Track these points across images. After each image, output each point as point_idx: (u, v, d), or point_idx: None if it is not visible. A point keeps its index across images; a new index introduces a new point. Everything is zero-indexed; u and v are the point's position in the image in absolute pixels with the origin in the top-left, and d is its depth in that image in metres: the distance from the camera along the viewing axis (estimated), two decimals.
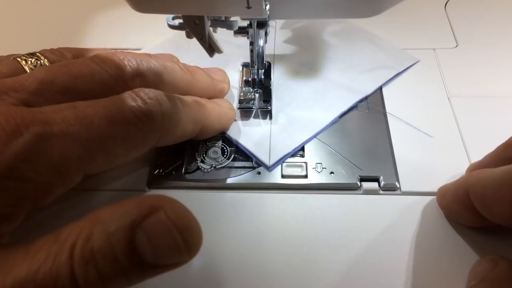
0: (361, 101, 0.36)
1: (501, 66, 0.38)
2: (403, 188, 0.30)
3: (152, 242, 0.20)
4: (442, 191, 0.28)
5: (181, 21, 0.31)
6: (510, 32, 0.42)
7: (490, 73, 0.38)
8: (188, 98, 0.28)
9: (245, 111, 0.35)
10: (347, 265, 0.27)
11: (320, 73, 0.38)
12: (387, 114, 0.34)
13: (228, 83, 0.35)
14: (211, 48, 0.32)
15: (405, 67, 0.38)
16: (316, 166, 0.32)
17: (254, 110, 0.35)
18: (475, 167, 0.28)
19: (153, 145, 0.26)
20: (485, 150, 0.28)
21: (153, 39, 0.42)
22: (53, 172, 0.21)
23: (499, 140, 0.27)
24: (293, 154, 0.33)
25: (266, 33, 0.33)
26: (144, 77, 0.27)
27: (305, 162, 0.32)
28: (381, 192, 0.30)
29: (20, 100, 0.23)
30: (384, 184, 0.30)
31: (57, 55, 0.29)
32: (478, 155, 0.29)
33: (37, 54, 0.28)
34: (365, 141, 0.33)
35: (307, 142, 0.33)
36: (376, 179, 0.31)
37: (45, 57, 0.28)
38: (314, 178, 0.31)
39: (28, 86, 0.23)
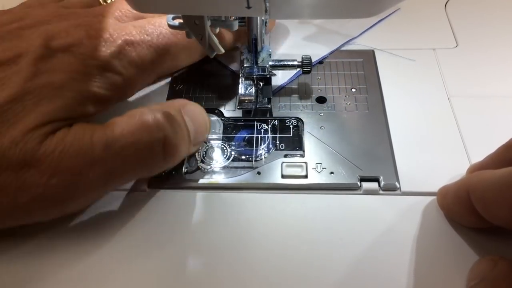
0: (347, 42, 0.41)
1: (501, 66, 0.38)
2: (403, 188, 0.30)
3: (194, 121, 0.30)
4: (442, 192, 0.28)
5: (181, 21, 0.31)
6: (510, 32, 0.42)
7: (490, 73, 0.38)
8: None
9: (245, 111, 0.35)
10: (347, 266, 0.27)
11: (311, 21, 0.43)
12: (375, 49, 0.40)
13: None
14: (211, 48, 0.32)
15: (387, 15, 0.43)
16: (316, 166, 0.32)
17: (253, 110, 0.35)
18: (475, 168, 0.28)
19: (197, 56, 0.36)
20: (485, 150, 0.28)
21: None
22: (135, 70, 0.30)
23: (499, 140, 0.27)
24: (293, 149, 0.33)
25: (265, 23, 0.34)
26: None
27: (305, 162, 0.32)
28: (381, 192, 0.30)
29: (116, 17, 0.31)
30: (384, 184, 0.30)
31: None
32: (478, 155, 0.29)
33: None
34: (365, 141, 0.33)
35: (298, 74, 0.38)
36: (376, 179, 0.31)
37: None
38: (314, 178, 0.31)
39: (114, 12, 0.32)
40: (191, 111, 0.30)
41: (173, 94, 0.37)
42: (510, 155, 0.26)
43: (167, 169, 0.31)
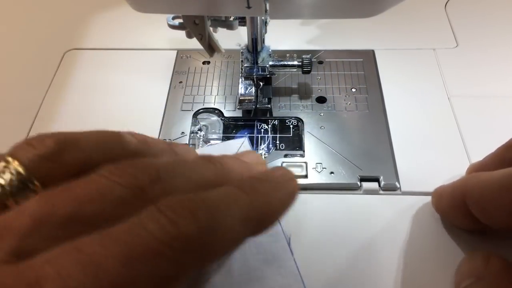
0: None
1: (501, 66, 0.38)
2: (403, 188, 0.30)
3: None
4: (437, 194, 0.28)
5: (181, 21, 0.31)
6: (510, 32, 0.42)
7: (490, 73, 0.38)
8: (228, 190, 0.21)
9: (245, 111, 0.35)
10: (347, 265, 0.27)
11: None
12: None
13: (264, 163, 0.28)
14: (211, 48, 0.32)
15: None
16: (316, 166, 0.32)
17: (253, 110, 0.35)
18: (474, 168, 0.28)
19: (195, 272, 0.19)
20: (485, 150, 0.28)
21: (153, 39, 0.42)
22: None
23: (499, 140, 0.27)
24: (293, 149, 0.33)
25: (266, 23, 0.34)
26: (166, 181, 0.20)
27: (305, 162, 0.32)
28: (381, 192, 0.30)
29: (9, 251, 0.17)
30: (384, 184, 0.30)
31: (36, 147, 0.20)
32: (478, 155, 0.29)
33: (7, 158, 0.19)
34: (365, 141, 0.33)
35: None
36: (376, 179, 0.31)
37: (17, 159, 0.19)
38: (314, 178, 0.31)
39: (19, 228, 0.17)
40: None
41: (173, 93, 0.37)
42: (510, 155, 0.26)
43: None
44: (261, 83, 0.36)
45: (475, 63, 0.39)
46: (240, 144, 0.29)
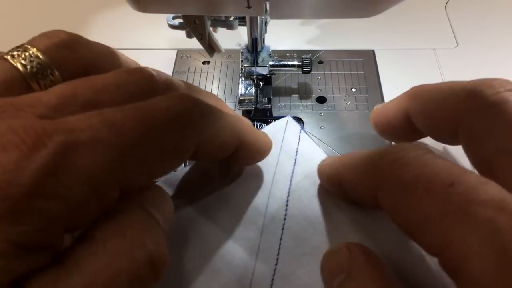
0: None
1: (501, 66, 0.38)
2: None
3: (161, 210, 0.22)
4: (321, 170, 0.26)
5: (181, 21, 0.31)
6: (510, 32, 0.42)
7: (490, 73, 0.38)
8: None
9: (245, 111, 0.35)
10: None
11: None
12: None
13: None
14: (211, 47, 0.32)
15: None
16: None
17: (253, 110, 0.35)
18: (377, 110, 0.29)
19: (192, 152, 0.22)
20: None
21: (153, 39, 0.42)
22: (85, 185, 0.18)
23: None
24: None
25: (266, 23, 0.34)
26: (175, 90, 0.24)
27: None
28: None
29: (39, 115, 0.19)
30: None
31: (52, 37, 0.23)
32: None
33: (25, 45, 0.23)
34: (365, 141, 0.33)
35: None
36: None
37: (35, 47, 0.23)
38: None
39: (47, 101, 0.20)
40: (151, 200, 0.21)
41: None
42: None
43: None
44: (261, 83, 0.36)
45: (475, 63, 0.39)
46: (285, 123, 0.30)
